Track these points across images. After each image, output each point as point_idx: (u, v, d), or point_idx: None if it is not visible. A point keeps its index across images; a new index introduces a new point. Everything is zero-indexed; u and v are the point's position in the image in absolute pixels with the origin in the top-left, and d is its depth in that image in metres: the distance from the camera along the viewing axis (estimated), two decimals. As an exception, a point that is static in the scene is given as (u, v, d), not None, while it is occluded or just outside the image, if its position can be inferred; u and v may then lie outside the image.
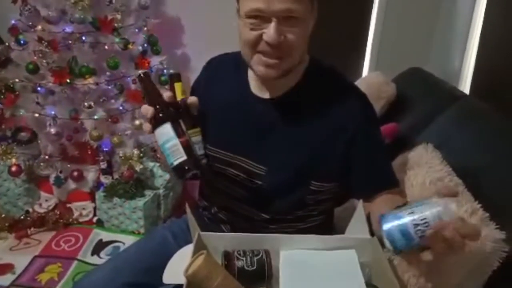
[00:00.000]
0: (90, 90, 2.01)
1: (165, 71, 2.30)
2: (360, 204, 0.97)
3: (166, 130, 0.82)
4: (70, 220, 2.16)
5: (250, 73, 1.03)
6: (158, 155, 2.19)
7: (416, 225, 0.71)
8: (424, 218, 0.70)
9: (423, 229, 0.70)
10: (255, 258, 0.85)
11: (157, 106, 0.84)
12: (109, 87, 2.08)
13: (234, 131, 1.04)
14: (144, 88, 0.87)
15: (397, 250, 0.75)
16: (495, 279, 0.87)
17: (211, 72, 1.13)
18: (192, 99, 0.92)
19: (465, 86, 1.94)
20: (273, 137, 1.01)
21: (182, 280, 0.77)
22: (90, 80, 2.01)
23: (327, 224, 1.16)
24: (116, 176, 2.15)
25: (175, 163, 0.82)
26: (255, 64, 0.94)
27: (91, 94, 2.03)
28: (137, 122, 2.14)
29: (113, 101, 2.11)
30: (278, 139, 1.00)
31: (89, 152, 2.14)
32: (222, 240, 0.90)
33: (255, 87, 1.02)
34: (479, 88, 1.79)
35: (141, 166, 2.08)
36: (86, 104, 2.00)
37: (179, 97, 0.90)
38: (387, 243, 0.75)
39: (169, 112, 0.84)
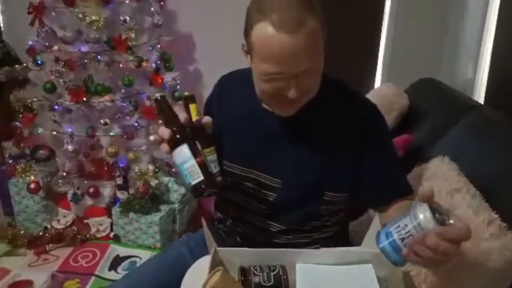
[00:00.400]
0: (106, 107, 2.06)
1: (178, 87, 2.33)
2: (376, 216, 0.97)
3: (183, 152, 0.85)
4: (88, 235, 2.18)
5: None
6: (173, 170, 2.22)
7: (403, 239, 0.71)
8: (408, 231, 0.70)
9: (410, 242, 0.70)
10: (272, 274, 0.85)
11: (174, 128, 0.87)
12: (124, 104, 2.12)
13: (248, 145, 1.06)
14: (160, 111, 0.90)
15: (396, 264, 0.75)
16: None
17: (222, 89, 1.16)
18: (207, 119, 0.95)
19: (479, 96, 1.92)
20: (286, 150, 1.03)
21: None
22: (106, 97, 2.07)
23: (342, 235, 1.16)
24: (131, 191, 2.18)
25: (193, 183, 0.85)
26: (272, 107, 0.98)
27: (107, 111, 2.08)
28: (151, 138, 2.15)
29: (128, 117, 2.15)
30: (291, 152, 1.02)
31: (105, 168, 2.17)
32: (239, 255, 0.91)
33: None
34: (494, 97, 1.78)
35: (156, 181, 2.11)
36: (102, 121, 2.05)
37: (194, 118, 0.93)
38: (384, 258, 0.75)
39: (185, 134, 0.87)
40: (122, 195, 2.19)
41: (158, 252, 1.28)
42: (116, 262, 2.05)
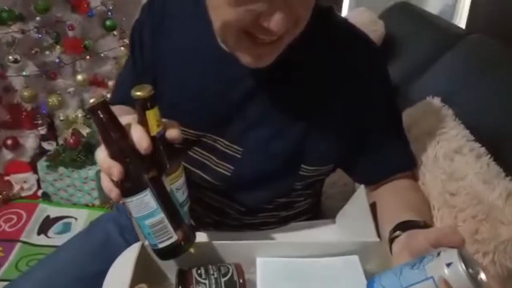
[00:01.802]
0: (16, 39, 1.71)
1: (109, 13, 1.95)
2: (360, 189, 0.74)
3: (145, 201, 0.55)
4: (10, 195, 1.93)
5: None
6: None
7: None
8: None
9: None
10: (223, 280, 0.61)
11: (128, 163, 0.54)
12: (41, 36, 1.79)
13: (198, 100, 0.76)
14: (101, 129, 0.55)
15: None
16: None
17: (157, 12, 0.80)
18: (174, 133, 0.60)
19: (460, 22, 1.70)
20: (251, 108, 0.74)
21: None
22: (15, 27, 1.71)
23: (315, 206, 0.93)
24: (61, 141, 1.88)
25: (161, 245, 0.57)
26: (239, 52, 0.64)
27: (18, 44, 1.73)
28: (79, 77, 1.84)
29: (47, 52, 1.82)
30: (258, 112, 0.73)
31: (24, 116, 1.84)
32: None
33: None
34: (478, 22, 1.55)
35: (89, 130, 1.82)
36: (11, 57, 1.71)
37: (153, 131, 0.57)
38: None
39: (147, 170, 0.55)
40: (49, 147, 1.89)
41: (83, 228, 1.02)
42: (46, 225, 1.81)
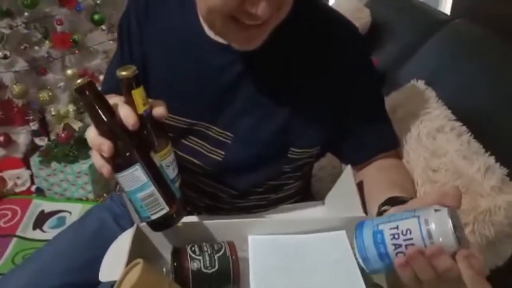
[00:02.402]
0: (4, 35, 1.68)
1: (97, 8, 1.93)
2: (347, 168, 0.76)
3: (135, 175, 0.56)
4: (4, 191, 1.90)
5: None
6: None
7: (397, 245, 0.51)
8: (409, 239, 0.50)
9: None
10: (216, 256, 0.64)
11: (117, 140, 0.56)
12: (29, 31, 1.75)
13: (187, 89, 0.77)
14: (88, 108, 0.57)
15: (372, 272, 0.57)
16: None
17: (142, 5, 0.81)
18: (160, 111, 0.61)
19: (445, 7, 1.72)
20: (239, 95, 0.76)
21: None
22: (3, 23, 1.68)
23: (305, 189, 0.95)
24: (53, 137, 1.87)
25: (153, 217, 0.59)
26: (227, 36, 0.67)
27: (6, 40, 1.69)
28: (69, 71, 1.83)
29: (36, 47, 1.79)
30: (246, 98, 0.75)
31: (16, 111, 1.82)
32: (170, 232, 0.67)
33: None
34: (462, 9, 1.58)
35: (81, 124, 1.80)
36: (0, 53, 1.67)
37: (140, 110, 0.59)
38: (360, 260, 0.55)
39: (136, 146, 0.57)
40: (41, 142, 1.88)
41: (81, 215, 1.01)
42: (41, 219, 1.79)
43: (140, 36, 0.81)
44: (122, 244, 0.69)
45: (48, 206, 1.86)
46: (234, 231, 0.68)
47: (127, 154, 0.56)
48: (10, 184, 1.91)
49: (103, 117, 0.56)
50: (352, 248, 0.65)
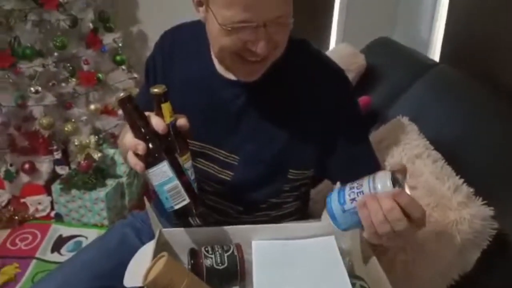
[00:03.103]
0: (37, 73, 1.86)
1: (119, 50, 2.13)
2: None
3: (163, 171, 0.70)
4: (26, 216, 2.01)
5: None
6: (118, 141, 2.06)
7: (353, 199, 0.67)
8: (361, 191, 0.66)
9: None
10: (226, 255, 0.76)
11: (150, 143, 0.71)
12: (58, 69, 1.94)
13: (201, 117, 0.92)
14: (128, 117, 0.72)
15: (340, 227, 0.70)
16: (484, 259, 0.82)
17: (167, 49, 0.99)
18: (183, 122, 0.77)
19: (435, 55, 1.89)
20: (244, 123, 0.91)
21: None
22: (36, 62, 1.86)
23: (303, 209, 1.08)
24: (73, 166, 2.01)
25: (176, 207, 0.72)
26: (234, 70, 0.84)
27: (38, 77, 1.87)
28: (92, 106, 1.99)
29: (64, 84, 1.97)
30: (249, 126, 0.90)
31: (41, 142, 1.97)
32: (187, 236, 0.81)
33: (221, 67, 0.90)
34: (449, 56, 1.74)
35: (100, 154, 1.95)
36: (33, 89, 1.84)
37: (167, 120, 0.75)
38: (330, 220, 0.70)
39: (164, 148, 0.71)
40: (62, 171, 2.02)
41: (100, 235, 1.13)
42: (59, 243, 1.90)
43: (163, 72, 0.98)
44: (145, 252, 0.81)
45: (65, 230, 1.97)
46: (240, 236, 0.81)
47: (157, 153, 0.71)
48: (31, 209, 2.03)
49: (139, 123, 0.71)
50: (339, 249, 0.78)
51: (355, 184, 0.68)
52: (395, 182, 0.64)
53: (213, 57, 0.91)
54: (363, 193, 0.65)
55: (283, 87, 0.89)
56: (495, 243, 0.79)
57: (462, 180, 0.86)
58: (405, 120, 1.13)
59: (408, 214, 0.63)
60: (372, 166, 0.93)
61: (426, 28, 2.03)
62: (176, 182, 0.71)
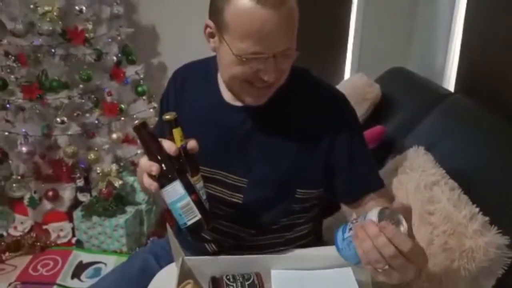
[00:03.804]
0: (63, 104, 1.94)
1: (141, 81, 2.22)
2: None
3: (175, 189, 0.75)
4: (48, 242, 2.06)
5: (220, 80, 0.97)
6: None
7: (350, 229, 0.69)
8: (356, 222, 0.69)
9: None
10: (246, 283, 0.78)
11: (163, 164, 0.76)
12: (83, 101, 2.02)
13: (211, 144, 0.96)
14: (142, 141, 0.78)
15: (347, 260, 0.72)
16: (500, 287, 0.82)
17: (179, 85, 1.07)
18: (193, 144, 0.83)
19: (449, 85, 1.91)
20: (251, 147, 0.96)
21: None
22: (62, 94, 1.95)
23: (316, 233, 1.10)
24: (94, 193, 2.07)
25: (189, 223, 0.76)
26: (243, 95, 0.91)
27: (64, 108, 1.95)
28: (114, 136, 2.06)
29: (88, 115, 2.05)
30: (257, 149, 0.95)
31: (64, 170, 2.04)
32: (209, 264, 0.83)
33: (229, 96, 0.97)
34: (464, 86, 1.76)
35: (121, 182, 2.00)
36: (58, 119, 1.93)
37: (178, 144, 0.81)
38: (338, 252, 0.73)
39: (176, 169, 0.77)
40: (83, 198, 2.07)
41: (121, 262, 1.16)
42: (79, 269, 1.94)
43: (175, 103, 1.05)
44: (169, 272, 0.84)
45: (86, 257, 2.01)
46: (260, 265, 0.83)
47: (170, 173, 0.76)
48: (53, 235, 2.08)
49: (153, 147, 0.77)
50: (357, 281, 0.79)
51: (357, 218, 0.71)
52: (389, 217, 0.65)
53: (220, 87, 0.98)
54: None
55: (287, 111, 0.95)
56: (510, 272, 0.79)
57: (478, 208, 0.87)
58: (420, 150, 1.15)
59: (396, 246, 0.63)
60: (376, 183, 0.98)
61: (440, 58, 2.06)
62: (188, 199, 0.75)
